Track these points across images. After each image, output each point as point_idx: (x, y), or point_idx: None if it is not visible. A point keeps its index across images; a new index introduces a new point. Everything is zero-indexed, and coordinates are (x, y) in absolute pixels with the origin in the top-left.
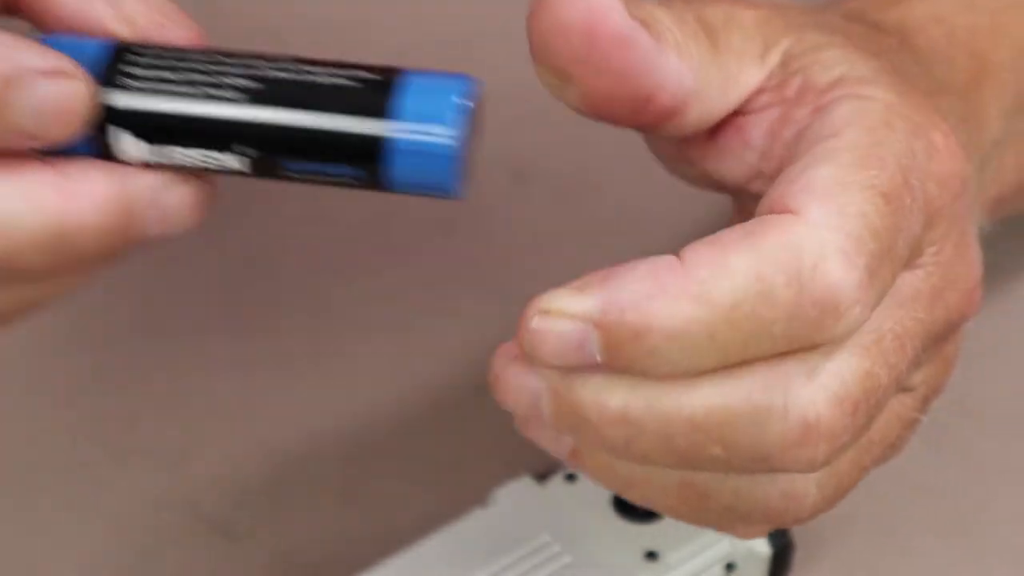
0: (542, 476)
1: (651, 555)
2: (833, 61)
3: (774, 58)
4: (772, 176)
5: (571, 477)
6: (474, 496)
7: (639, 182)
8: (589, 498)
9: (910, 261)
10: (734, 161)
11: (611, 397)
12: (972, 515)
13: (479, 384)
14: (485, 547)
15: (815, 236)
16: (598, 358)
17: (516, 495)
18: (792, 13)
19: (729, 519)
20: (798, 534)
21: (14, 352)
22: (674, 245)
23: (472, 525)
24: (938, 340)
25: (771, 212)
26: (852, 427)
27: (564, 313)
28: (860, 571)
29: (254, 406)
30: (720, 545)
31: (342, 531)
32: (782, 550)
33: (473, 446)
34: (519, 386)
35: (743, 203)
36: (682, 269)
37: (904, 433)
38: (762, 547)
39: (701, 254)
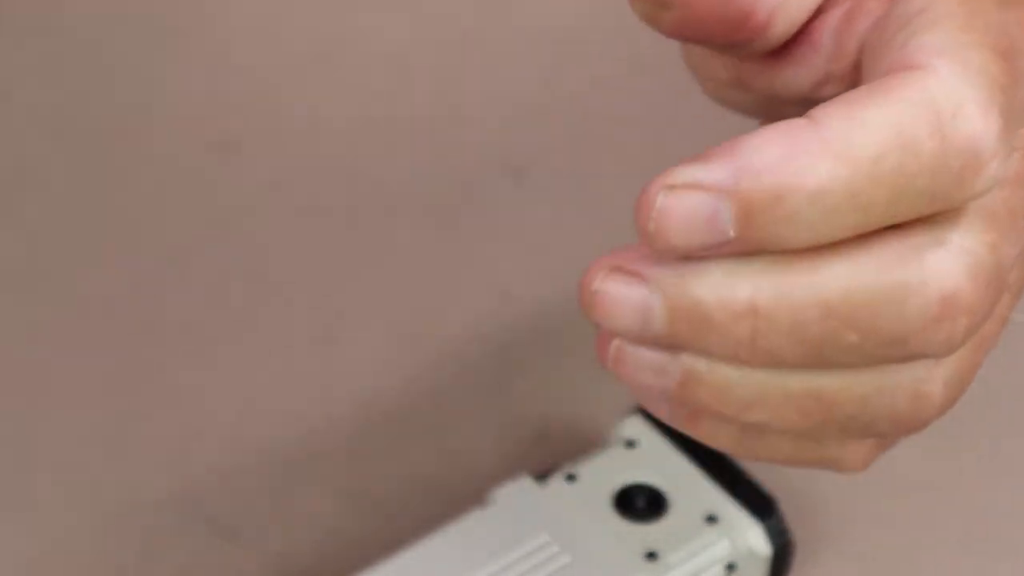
0: (542, 476)
1: (651, 555)
2: None
3: None
4: (844, 76)
5: (571, 477)
6: (474, 496)
7: (638, 181)
8: (589, 498)
9: None
10: (802, 69)
11: (736, 288)
12: (972, 514)
13: (479, 383)
14: (484, 547)
15: (949, 87)
16: (731, 232)
17: (515, 495)
18: None
19: (848, 436)
20: (798, 533)
21: (13, 352)
22: None
23: (471, 525)
24: None
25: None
26: (987, 302)
27: (694, 185)
28: (860, 570)
29: (254, 406)
30: (720, 545)
31: (342, 531)
32: (782, 550)
33: (473, 446)
34: (625, 298)
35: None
36: (816, 128)
37: (999, 331)
38: (762, 547)
39: (834, 113)
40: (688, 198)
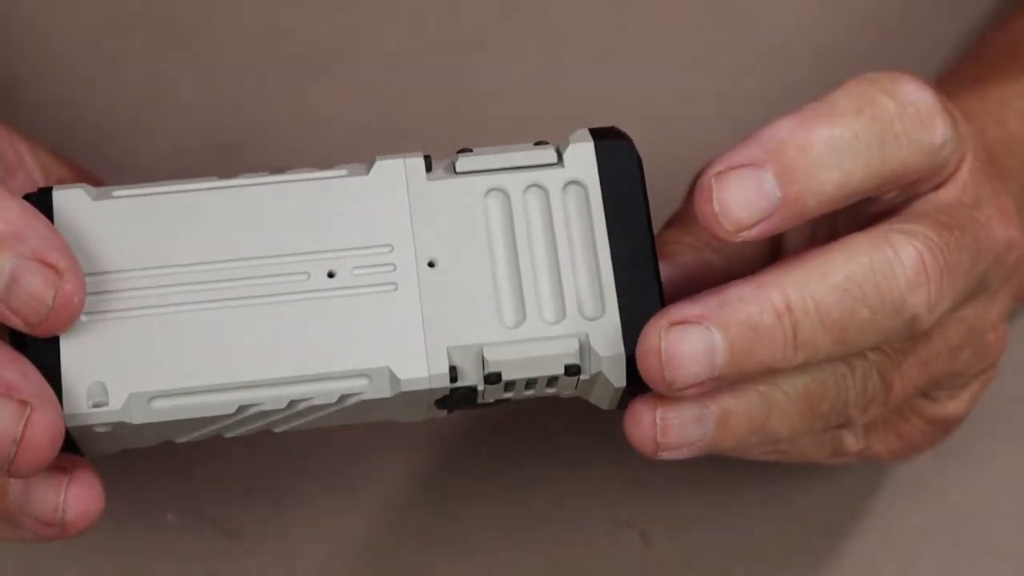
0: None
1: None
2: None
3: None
4: None
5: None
6: (476, 502)
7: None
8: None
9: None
10: None
11: (772, 296)
12: (972, 516)
13: None
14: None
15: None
16: (778, 193)
17: (390, 170)
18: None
19: (834, 422)
20: (800, 539)
21: None
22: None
23: (333, 183)
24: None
25: None
26: (945, 279)
27: (734, 164)
28: (861, 572)
29: None
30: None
31: (343, 531)
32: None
33: (472, 450)
34: (691, 344)
35: None
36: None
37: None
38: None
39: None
40: (735, 176)
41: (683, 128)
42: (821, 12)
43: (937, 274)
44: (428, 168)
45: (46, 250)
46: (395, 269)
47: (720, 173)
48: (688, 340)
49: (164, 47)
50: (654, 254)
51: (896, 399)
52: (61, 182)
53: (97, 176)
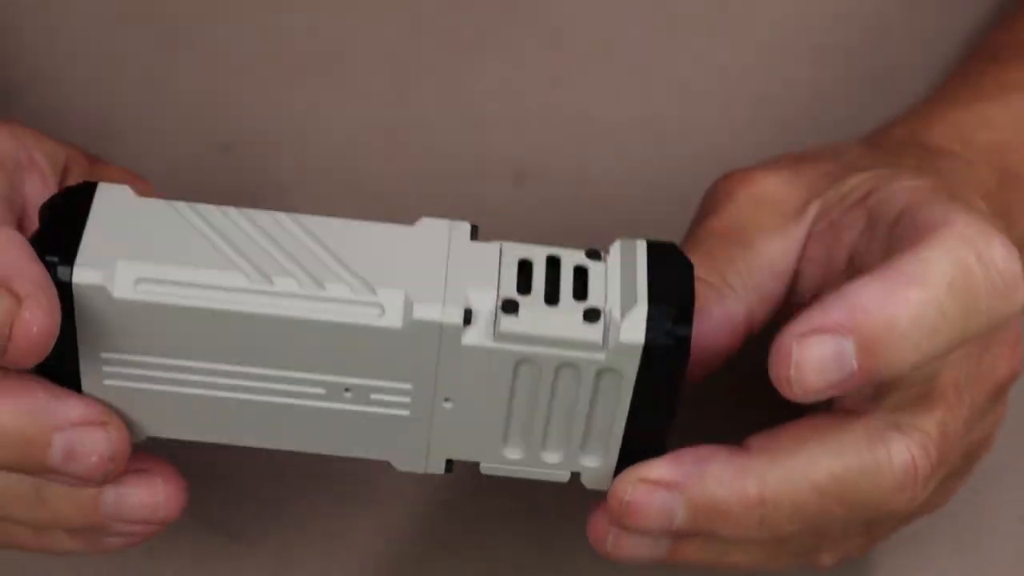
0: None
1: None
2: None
3: (813, 210)
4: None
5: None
6: (469, 498)
7: (638, 183)
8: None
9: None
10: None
11: (747, 486)
12: (972, 516)
13: None
14: (358, 249)
15: (975, 227)
16: (855, 364)
17: (436, 228)
18: (824, 160)
19: (805, 553)
20: None
21: None
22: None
23: (375, 230)
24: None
25: None
26: (938, 466)
27: (819, 329)
28: (861, 572)
29: None
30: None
31: (343, 532)
32: (665, 348)
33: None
34: (656, 505)
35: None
36: (897, 273)
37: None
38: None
39: (903, 261)
40: (817, 343)
41: (683, 128)
42: (821, 12)
43: (927, 473)
44: (467, 321)
45: (12, 277)
46: (412, 401)
47: (803, 336)
48: (653, 501)
49: (164, 46)
50: (664, 451)
51: (879, 532)
52: (66, 169)
53: (94, 156)
